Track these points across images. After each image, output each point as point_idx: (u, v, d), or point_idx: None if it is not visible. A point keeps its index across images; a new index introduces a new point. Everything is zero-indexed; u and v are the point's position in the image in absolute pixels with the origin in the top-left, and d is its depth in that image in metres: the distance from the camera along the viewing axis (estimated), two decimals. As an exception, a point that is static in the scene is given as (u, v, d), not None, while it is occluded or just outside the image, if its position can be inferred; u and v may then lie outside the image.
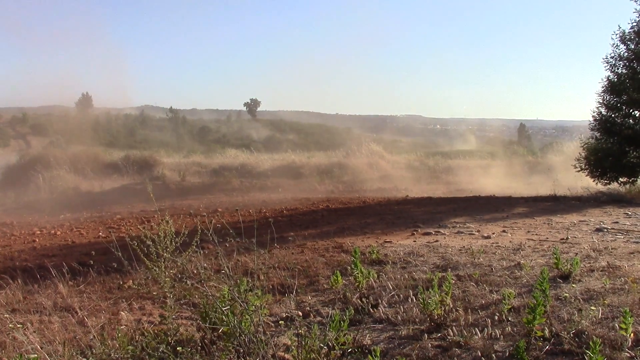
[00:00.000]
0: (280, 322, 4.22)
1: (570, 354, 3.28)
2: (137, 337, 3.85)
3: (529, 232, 7.98)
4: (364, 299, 4.61)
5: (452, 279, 4.88)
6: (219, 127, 68.87)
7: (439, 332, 3.78)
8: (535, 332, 3.48)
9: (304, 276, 5.76)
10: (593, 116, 14.36)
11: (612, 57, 13.98)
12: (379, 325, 4.10)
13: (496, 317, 3.91)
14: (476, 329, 3.71)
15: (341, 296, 4.86)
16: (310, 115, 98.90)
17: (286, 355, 3.53)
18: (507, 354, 3.33)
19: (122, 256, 4.03)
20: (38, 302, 5.33)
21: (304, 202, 16.03)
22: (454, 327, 3.76)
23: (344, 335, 3.49)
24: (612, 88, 13.97)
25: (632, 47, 13.72)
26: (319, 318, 4.38)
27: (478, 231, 8.20)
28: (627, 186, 13.72)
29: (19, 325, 4.08)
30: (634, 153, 13.86)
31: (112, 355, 3.48)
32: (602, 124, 14.15)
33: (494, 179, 26.12)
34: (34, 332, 3.92)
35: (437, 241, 7.45)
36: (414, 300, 4.40)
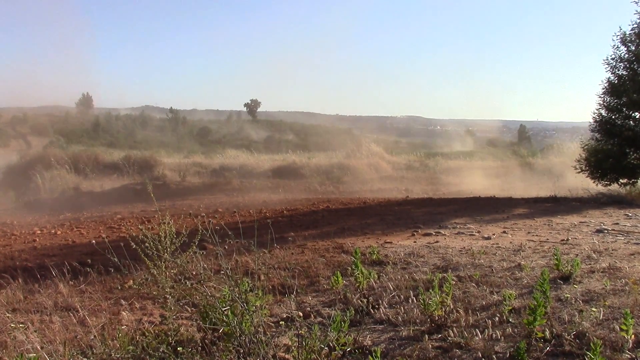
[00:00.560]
0: (280, 322, 4.22)
1: (571, 355, 3.28)
2: (137, 337, 3.85)
3: (529, 233, 7.98)
4: (364, 300, 4.61)
5: (453, 279, 4.89)
6: (219, 128, 68.84)
7: (440, 333, 3.78)
8: (536, 333, 3.48)
9: (305, 277, 5.76)
10: (593, 117, 14.35)
11: (612, 59, 13.98)
12: (379, 326, 4.10)
13: (497, 318, 3.91)
14: (477, 330, 3.71)
15: (342, 297, 4.86)
16: (310, 116, 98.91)
17: (287, 356, 3.53)
18: (508, 355, 3.33)
19: (123, 256, 4.04)
20: (39, 302, 5.33)
21: (304, 203, 16.03)
22: (454, 328, 3.76)
23: (345, 335, 3.49)
24: (613, 89, 13.97)
25: (633, 48, 13.71)
26: (319, 319, 4.38)
27: (478, 232, 8.19)
28: (628, 187, 13.72)
29: (19, 325, 4.08)
30: (634, 154, 13.86)
31: (113, 355, 3.48)
32: (603, 126, 14.15)
33: (494, 180, 26.12)
34: (35, 331, 3.92)
35: (437, 242, 7.45)
36: (415, 301, 4.40)
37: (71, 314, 4.75)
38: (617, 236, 7.33)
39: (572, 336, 3.46)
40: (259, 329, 3.38)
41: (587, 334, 3.47)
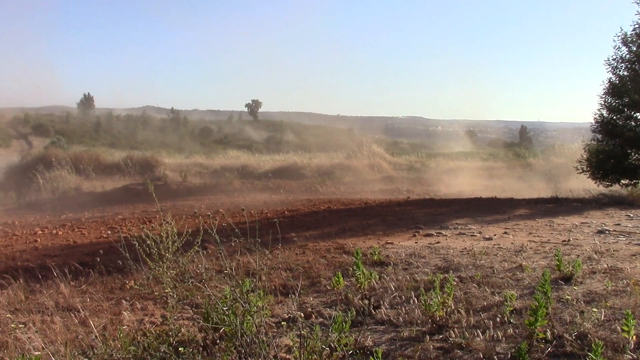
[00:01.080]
0: (282, 323, 4.22)
1: (572, 356, 3.28)
2: (139, 337, 3.85)
3: (530, 233, 7.97)
4: (365, 300, 4.61)
5: (454, 280, 4.89)
6: (220, 128, 68.89)
7: (441, 334, 3.78)
8: (537, 334, 3.48)
9: (306, 277, 5.76)
10: (595, 118, 14.32)
11: (614, 59, 13.94)
12: (380, 326, 4.10)
13: (498, 319, 3.91)
14: (478, 330, 3.71)
15: (343, 297, 4.86)
16: (311, 116, 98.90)
17: (288, 356, 3.53)
18: (509, 355, 3.33)
19: (124, 256, 4.04)
20: (40, 302, 5.34)
21: (305, 203, 16.03)
22: (455, 329, 3.76)
23: (346, 336, 3.49)
24: (614, 90, 13.94)
25: (634, 49, 13.68)
26: (320, 319, 4.38)
27: (480, 233, 8.19)
28: (629, 188, 13.68)
29: (21, 325, 4.09)
30: (636, 155, 13.83)
31: (114, 355, 3.49)
32: (604, 126, 14.12)
33: (495, 181, 26.11)
34: (36, 332, 3.92)
35: (438, 242, 7.45)
36: (416, 301, 4.40)
37: (72, 314, 4.76)
38: (618, 237, 7.32)
39: (574, 337, 3.46)
40: (261, 329, 3.38)
41: (588, 335, 3.46)
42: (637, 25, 13.65)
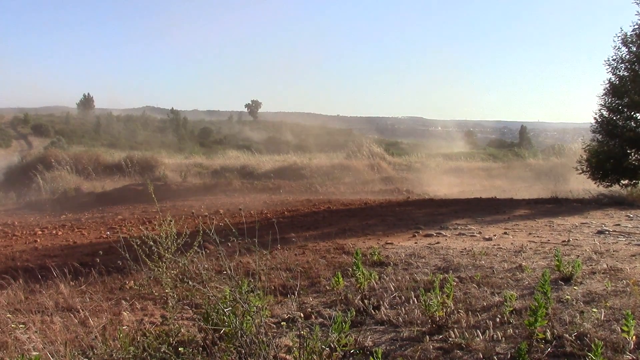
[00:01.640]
0: (281, 323, 4.22)
1: (572, 356, 3.28)
2: (138, 337, 3.85)
3: (530, 234, 7.97)
4: (365, 301, 4.61)
5: (454, 280, 4.89)
6: (220, 129, 68.93)
7: (441, 334, 3.78)
8: (537, 335, 3.48)
9: (306, 277, 5.76)
10: (594, 118, 14.32)
11: (613, 60, 13.95)
12: (380, 326, 4.10)
13: (498, 319, 3.91)
14: (478, 331, 3.70)
15: (343, 297, 4.86)
16: (311, 116, 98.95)
17: (288, 357, 3.53)
18: (509, 356, 3.33)
19: (124, 257, 4.04)
20: (40, 302, 5.34)
21: (305, 204, 16.03)
22: (455, 329, 3.76)
23: (346, 336, 3.49)
24: (614, 90, 13.94)
25: (634, 49, 13.68)
26: (320, 319, 4.38)
27: (479, 233, 8.19)
28: (629, 189, 13.68)
29: (20, 325, 4.09)
30: (636, 155, 13.83)
31: (114, 355, 3.49)
32: (604, 127, 14.12)
33: (495, 181, 26.12)
34: (36, 332, 3.92)
35: (438, 243, 7.44)
36: (416, 301, 4.39)
37: (72, 315, 4.75)
38: (618, 237, 7.32)
39: (573, 337, 3.46)
40: (260, 329, 3.38)
41: (588, 335, 3.46)
42: (637, 26, 13.66)
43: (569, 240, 7.08)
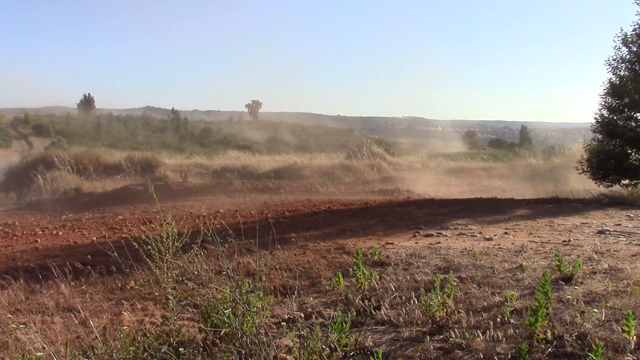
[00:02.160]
0: (282, 323, 4.21)
1: (572, 356, 3.28)
2: (139, 337, 3.85)
3: (531, 234, 7.97)
4: (366, 301, 4.61)
5: (454, 280, 4.89)
6: (221, 129, 68.94)
7: (441, 334, 3.78)
8: (538, 335, 3.47)
9: (306, 277, 5.76)
10: (595, 118, 14.31)
11: (614, 60, 13.93)
12: (381, 327, 4.10)
13: (498, 319, 3.91)
14: (478, 331, 3.70)
15: (343, 298, 4.85)
16: (311, 116, 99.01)
17: (288, 357, 3.53)
18: (510, 356, 3.33)
19: (125, 257, 4.04)
20: (40, 303, 5.34)
21: (305, 204, 16.02)
22: (456, 329, 3.76)
23: (346, 336, 3.49)
24: (614, 90, 13.93)
25: (635, 49, 13.67)
26: (320, 319, 4.38)
27: (480, 233, 8.19)
28: (629, 189, 13.67)
29: (21, 326, 4.10)
30: (636, 155, 13.82)
31: (114, 355, 3.49)
32: (604, 126, 14.11)
33: (495, 181, 26.11)
34: (36, 332, 3.93)
35: (439, 243, 7.44)
36: (416, 302, 4.39)
37: (73, 315, 4.76)
38: (618, 237, 7.31)
39: (574, 337, 3.46)
40: (261, 329, 3.38)
41: (588, 335, 3.46)
42: (637, 26, 13.65)
43: (569, 240, 7.07)
